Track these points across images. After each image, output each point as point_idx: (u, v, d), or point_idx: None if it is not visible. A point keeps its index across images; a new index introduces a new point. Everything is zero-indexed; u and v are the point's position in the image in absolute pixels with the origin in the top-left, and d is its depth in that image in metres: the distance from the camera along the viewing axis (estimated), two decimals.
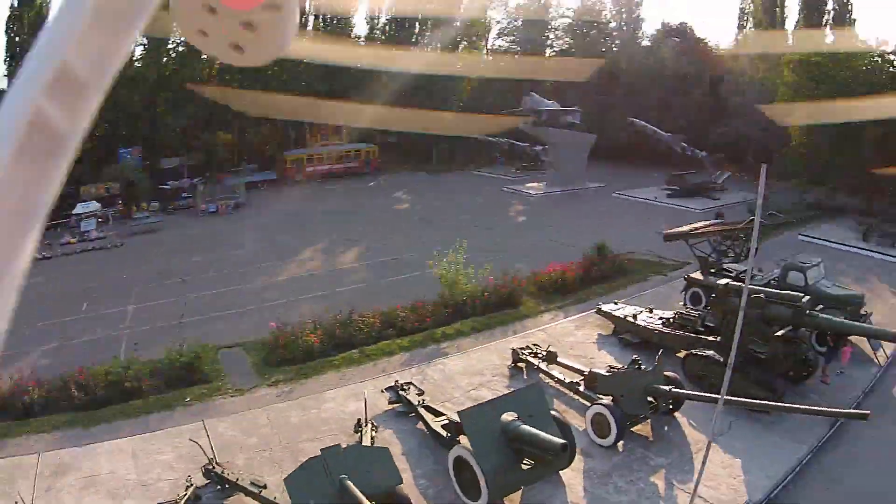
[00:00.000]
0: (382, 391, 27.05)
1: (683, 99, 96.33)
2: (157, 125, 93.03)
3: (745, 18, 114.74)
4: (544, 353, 29.97)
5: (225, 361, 32.56)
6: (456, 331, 34.93)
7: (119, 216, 78.39)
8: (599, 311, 35.71)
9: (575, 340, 34.07)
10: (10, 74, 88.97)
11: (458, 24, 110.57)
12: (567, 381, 27.75)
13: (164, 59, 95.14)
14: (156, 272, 52.46)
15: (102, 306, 44.71)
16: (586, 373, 27.11)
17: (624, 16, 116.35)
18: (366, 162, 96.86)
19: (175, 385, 30.04)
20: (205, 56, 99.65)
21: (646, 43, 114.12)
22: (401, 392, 26.62)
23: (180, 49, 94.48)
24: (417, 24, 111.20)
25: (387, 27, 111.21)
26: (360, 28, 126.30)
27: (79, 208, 76.06)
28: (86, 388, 28.93)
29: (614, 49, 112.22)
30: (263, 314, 39.41)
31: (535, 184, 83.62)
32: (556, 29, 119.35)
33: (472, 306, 36.93)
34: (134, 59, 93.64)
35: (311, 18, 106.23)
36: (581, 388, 26.71)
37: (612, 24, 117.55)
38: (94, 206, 76.84)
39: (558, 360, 29.62)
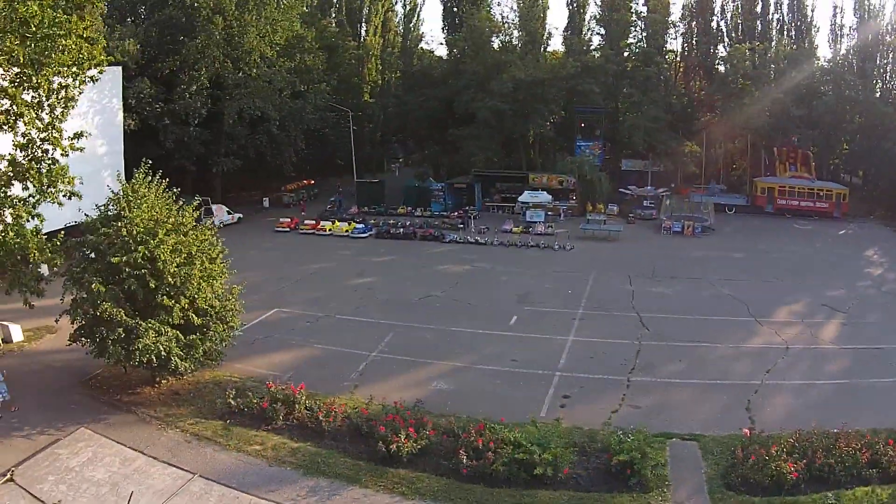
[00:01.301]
0: None
1: None
2: (617, 122, 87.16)
3: None
4: None
5: (673, 462, 24.43)
6: None
7: (570, 214, 73.54)
8: None
9: None
10: None
11: None
12: None
13: (626, 52, 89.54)
14: (598, 298, 44.93)
15: (534, 327, 38.59)
16: None
17: None
18: (836, 205, 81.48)
19: (599, 480, 23.09)
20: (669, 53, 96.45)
21: None
22: None
23: (642, 45, 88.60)
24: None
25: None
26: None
27: (526, 196, 72.70)
28: (476, 452, 23.05)
29: None
30: (732, 393, 30.77)
31: None
32: None
33: None
34: (591, 48, 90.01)
35: None
36: None
37: None
38: (545, 197, 72.68)
39: None
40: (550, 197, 73.51)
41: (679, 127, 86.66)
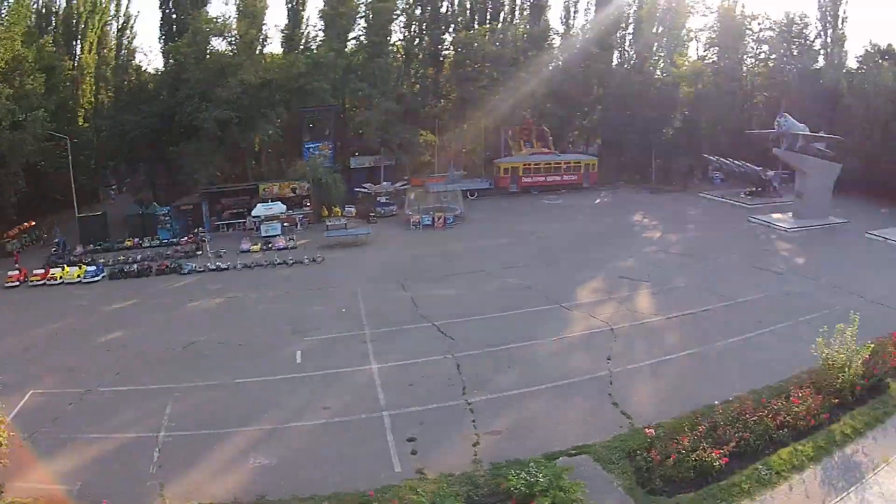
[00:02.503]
0: None
1: None
2: (346, 119, 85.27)
3: None
4: None
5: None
6: (853, 430, 26.59)
7: (307, 222, 71.02)
8: None
9: None
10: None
11: (658, 30, 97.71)
12: None
13: (349, 44, 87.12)
14: (378, 312, 42.70)
15: (326, 361, 35.45)
16: None
17: (829, 32, 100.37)
18: (585, 175, 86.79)
19: None
20: (398, 40, 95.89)
21: (852, 63, 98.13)
22: None
23: (370, 37, 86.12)
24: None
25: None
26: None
27: (259, 209, 68.76)
28: None
29: (818, 68, 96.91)
30: (586, 391, 30.22)
31: (779, 214, 71.47)
32: (760, 41, 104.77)
33: (850, 393, 28.63)
34: (317, 42, 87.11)
35: None
36: None
37: (818, 42, 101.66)
38: (279, 207, 69.12)
39: None
40: (284, 207, 70.36)
41: (412, 118, 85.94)
